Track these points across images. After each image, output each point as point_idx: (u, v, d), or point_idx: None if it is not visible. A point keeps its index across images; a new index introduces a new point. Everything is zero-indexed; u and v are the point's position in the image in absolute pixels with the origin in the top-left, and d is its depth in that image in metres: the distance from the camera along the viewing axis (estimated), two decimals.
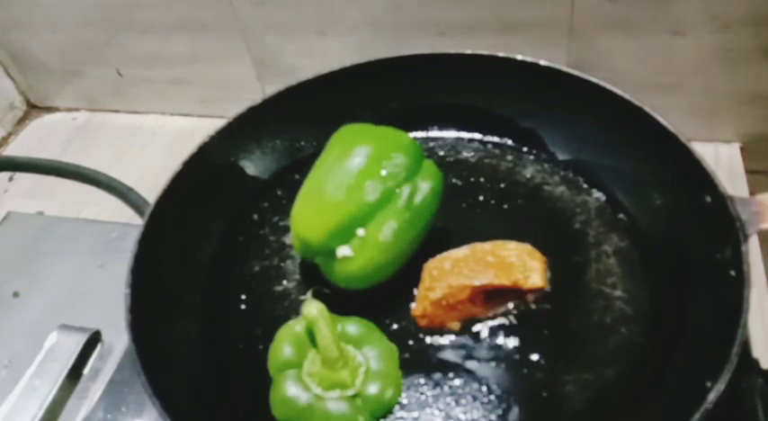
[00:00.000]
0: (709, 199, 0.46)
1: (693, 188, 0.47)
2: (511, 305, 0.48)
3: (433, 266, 0.48)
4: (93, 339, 0.53)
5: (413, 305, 0.49)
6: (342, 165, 0.47)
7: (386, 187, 0.46)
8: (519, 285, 0.47)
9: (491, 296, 0.47)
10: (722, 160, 0.62)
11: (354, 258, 0.46)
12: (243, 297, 0.52)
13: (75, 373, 0.51)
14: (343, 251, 0.45)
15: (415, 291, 0.49)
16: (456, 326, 0.47)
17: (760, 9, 0.54)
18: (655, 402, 0.42)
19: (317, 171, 0.49)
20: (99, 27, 0.72)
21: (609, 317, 0.47)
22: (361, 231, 0.45)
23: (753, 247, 0.51)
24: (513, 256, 0.48)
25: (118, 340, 0.53)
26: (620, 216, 0.52)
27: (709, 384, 0.38)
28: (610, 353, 0.45)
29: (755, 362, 0.46)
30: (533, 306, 0.48)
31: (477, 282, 0.46)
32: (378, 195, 0.45)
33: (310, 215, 0.47)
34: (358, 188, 0.45)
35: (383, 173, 0.46)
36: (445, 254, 0.49)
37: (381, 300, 0.49)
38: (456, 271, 0.47)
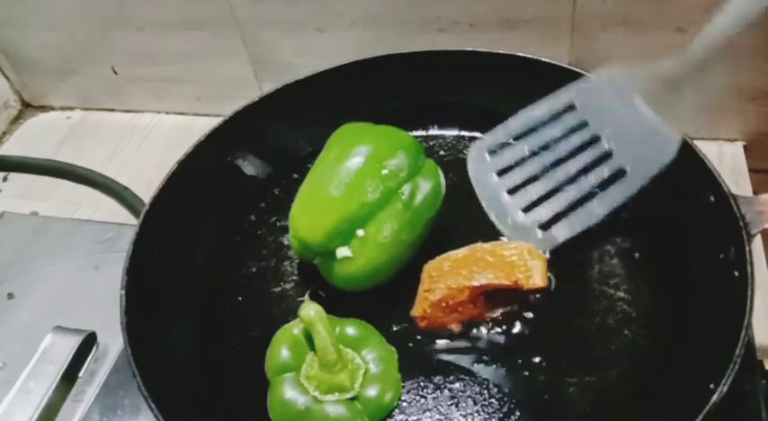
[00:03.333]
0: (712, 198, 0.45)
1: (697, 187, 0.46)
2: (512, 306, 0.47)
3: (432, 268, 0.48)
4: (89, 341, 0.52)
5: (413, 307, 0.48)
6: (341, 165, 0.46)
7: (386, 187, 0.45)
8: (520, 285, 0.46)
9: (492, 297, 0.47)
10: (726, 159, 0.61)
11: (354, 259, 0.45)
12: (240, 298, 0.51)
13: (70, 375, 0.51)
14: (343, 252, 0.45)
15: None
16: (456, 327, 0.47)
17: None
18: (658, 404, 0.42)
19: (317, 170, 0.48)
20: (94, 25, 0.71)
21: (611, 318, 0.47)
22: (360, 232, 0.45)
23: (757, 247, 0.51)
24: (513, 256, 0.47)
25: (113, 342, 0.53)
26: (623, 215, 0.52)
27: (712, 386, 0.37)
28: (612, 354, 0.45)
29: (760, 364, 0.45)
30: (535, 307, 0.47)
31: (476, 283, 0.46)
32: (378, 195, 0.45)
33: (309, 215, 0.47)
34: (358, 187, 0.45)
35: (383, 172, 0.46)
36: (444, 255, 0.48)
37: (381, 301, 0.48)
38: (455, 272, 0.47)
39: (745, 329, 0.39)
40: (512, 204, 0.50)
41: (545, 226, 0.49)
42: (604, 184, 0.48)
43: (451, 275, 0.46)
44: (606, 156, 0.48)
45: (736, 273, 0.42)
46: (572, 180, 0.49)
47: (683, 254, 0.47)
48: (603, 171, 0.48)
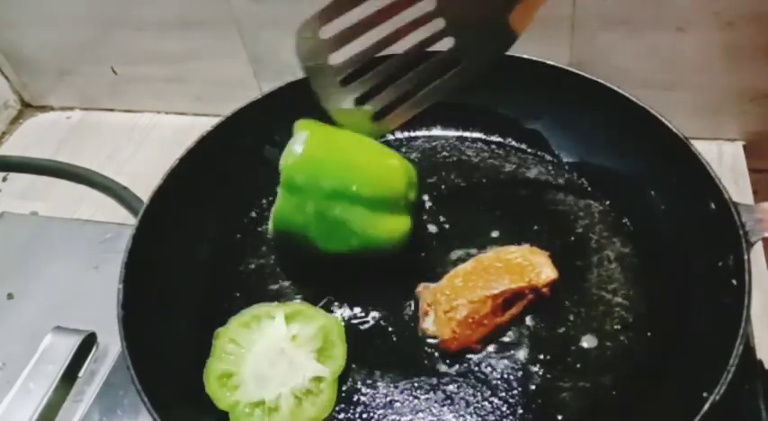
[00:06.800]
0: (713, 205, 0.45)
1: (698, 194, 0.46)
2: (530, 306, 0.47)
3: (443, 287, 0.47)
4: (89, 341, 0.52)
5: (425, 326, 0.47)
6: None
7: None
8: (533, 283, 0.46)
9: (509, 302, 0.46)
10: (725, 159, 0.61)
11: None
12: (237, 295, 0.51)
13: (70, 376, 0.51)
14: None
15: (415, 291, 0.48)
16: (478, 346, 0.46)
17: (763, 6, 0.53)
18: (651, 412, 0.42)
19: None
20: (93, 25, 0.71)
21: (608, 323, 0.46)
22: None
23: (757, 247, 0.51)
24: (518, 258, 0.47)
25: (113, 342, 0.52)
26: (624, 221, 0.52)
27: (705, 395, 0.37)
28: (608, 360, 0.45)
29: (760, 364, 0.45)
30: (532, 311, 0.47)
31: (496, 291, 0.45)
32: None
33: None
34: None
35: None
36: (452, 272, 0.48)
37: (379, 301, 0.48)
38: (470, 285, 0.46)
39: (741, 339, 0.38)
40: (345, 95, 0.48)
41: (377, 116, 0.49)
42: (439, 73, 0.47)
43: (468, 289, 0.46)
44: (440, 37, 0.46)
45: (734, 282, 0.41)
46: (406, 69, 0.48)
47: (682, 260, 0.47)
48: (438, 60, 0.47)
